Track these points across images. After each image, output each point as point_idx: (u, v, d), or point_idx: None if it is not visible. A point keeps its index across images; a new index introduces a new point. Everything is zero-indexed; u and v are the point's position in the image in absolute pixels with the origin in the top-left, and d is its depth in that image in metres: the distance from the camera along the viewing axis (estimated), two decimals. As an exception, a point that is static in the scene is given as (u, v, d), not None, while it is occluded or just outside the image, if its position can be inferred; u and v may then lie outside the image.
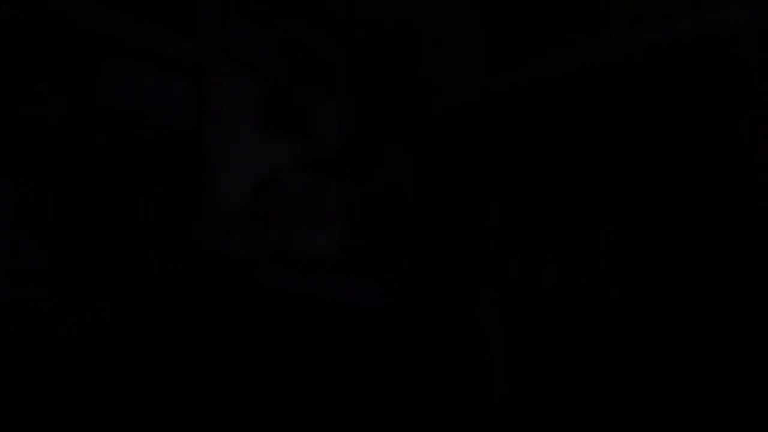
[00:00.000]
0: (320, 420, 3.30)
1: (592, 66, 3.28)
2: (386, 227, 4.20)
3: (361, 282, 3.69)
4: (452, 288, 3.66)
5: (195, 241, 3.55)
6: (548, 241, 3.30)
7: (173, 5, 3.68)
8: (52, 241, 3.07)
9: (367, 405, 3.48)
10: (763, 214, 2.65)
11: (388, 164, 4.27)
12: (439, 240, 3.80)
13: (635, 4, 3.18)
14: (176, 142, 3.61)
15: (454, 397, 3.52)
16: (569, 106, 3.35)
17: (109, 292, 3.21)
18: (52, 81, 3.10)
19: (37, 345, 2.92)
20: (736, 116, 2.79)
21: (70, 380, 2.97)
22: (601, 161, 3.20)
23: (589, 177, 3.23)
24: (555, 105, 3.42)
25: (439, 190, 3.86)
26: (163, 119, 3.57)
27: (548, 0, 3.60)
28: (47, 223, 3.08)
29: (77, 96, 3.19)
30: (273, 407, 3.19)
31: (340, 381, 3.41)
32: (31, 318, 2.95)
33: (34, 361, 2.89)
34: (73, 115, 3.16)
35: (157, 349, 3.29)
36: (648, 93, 3.07)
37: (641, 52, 3.11)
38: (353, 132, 4.58)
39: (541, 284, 3.28)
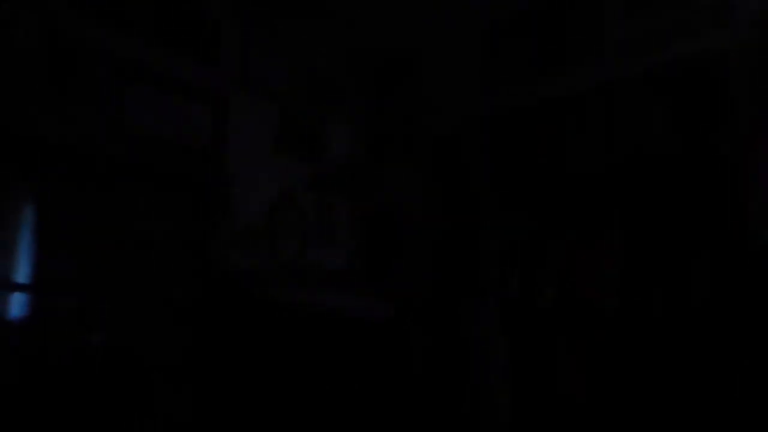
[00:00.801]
0: (324, 423, 3.41)
1: (588, 87, 3.43)
2: (392, 243, 4.33)
3: (368, 296, 3.83)
4: (454, 302, 3.77)
5: (213, 256, 3.72)
6: (547, 259, 3.41)
7: (196, 36, 3.93)
8: (77, 255, 3.23)
9: (371, 411, 3.59)
10: (753, 230, 2.75)
11: (394, 182, 4.42)
12: (443, 255, 3.92)
13: (628, 30, 3.35)
14: (197, 162, 3.81)
15: (456, 408, 3.61)
16: (567, 127, 3.50)
17: (131, 303, 3.37)
18: (81, 105, 3.30)
19: (61, 352, 3.07)
20: (727, 134, 2.91)
21: (91, 386, 3.11)
22: (599, 181, 3.32)
23: (587, 196, 3.35)
24: (553, 125, 3.56)
25: (443, 207, 4.00)
26: (185, 140, 3.77)
27: (545, 27, 3.78)
28: (73, 238, 3.24)
29: (104, 119, 3.39)
30: (283, 414, 3.32)
31: (345, 388, 3.52)
32: (56, 326, 3.09)
33: (58, 368, 3.04)
34: (101, 136, 3.35)
35: (175, 358, 3.44)
36: (643, 113, 3.21)
37: (636, 75, 3.26)
38: (362, 152, 4.76)
39: (540, 300, 3.38)
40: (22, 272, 3.01)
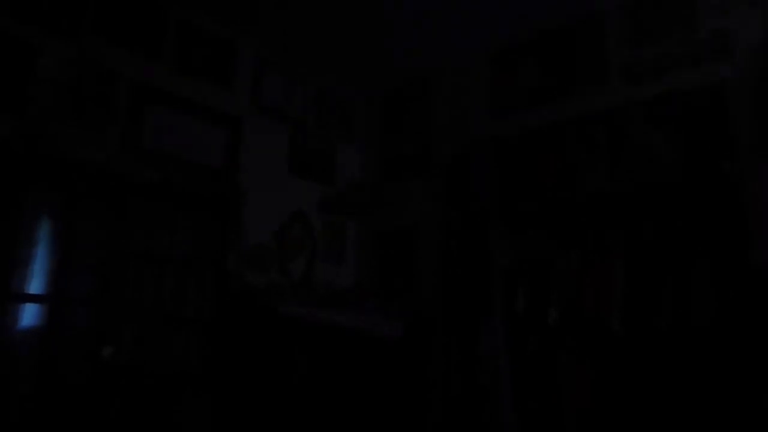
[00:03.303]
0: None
1: (594, 112, 3.53)
2: (402, 262, 4.40)
3: (377, 314, 3.89)
4: (465, 320, 3.82)
5: (228, 272, 3.79)
6: (553, 277, 3.46)
7: (214, 62, 4.07)
8: (98, 270, 3.29)
9: (383, 423, 3.62)
10: (755, 248, 2.83)
11: (404, 203, 4.50)
12: (451, 275, 3.98)
13: (632, 58, 3.49)
14: (213, 181, 3.90)
15: (463, 422, 3.64)
16: (573, 150, 3.57)
17: (150, 317, 3.42)
18: (104, 127, 3.41)
19: (81, 367, 3.10)
20: (729, 155, 3.00)
21: (112, 400, 3.13)
22: (605, 201, 3.39)
23: (592, 216, 3.42)
24: (560, 148, 3.64)
25: (453, 226, 4.08)
26: (202, 161, 3.88)
27: (551, 54, 3.91)
28: (94, 253, 3.30)
29: (126, 140, 3.50)
30: (297, 422, 3.35)
31: (357, 399, 3.56)
32: (76, 341, 3.13)
33: (77, 382, 3.07)
34: (122, 156, 3.45)
35: (196, 368, 3.47)
36: (648, 136, 3.29)
37: (640, 100, 3.36)
38: (372, 173, 4.86)
39: (546, 317, 3.42)
40: (41, 286, 3.06)
